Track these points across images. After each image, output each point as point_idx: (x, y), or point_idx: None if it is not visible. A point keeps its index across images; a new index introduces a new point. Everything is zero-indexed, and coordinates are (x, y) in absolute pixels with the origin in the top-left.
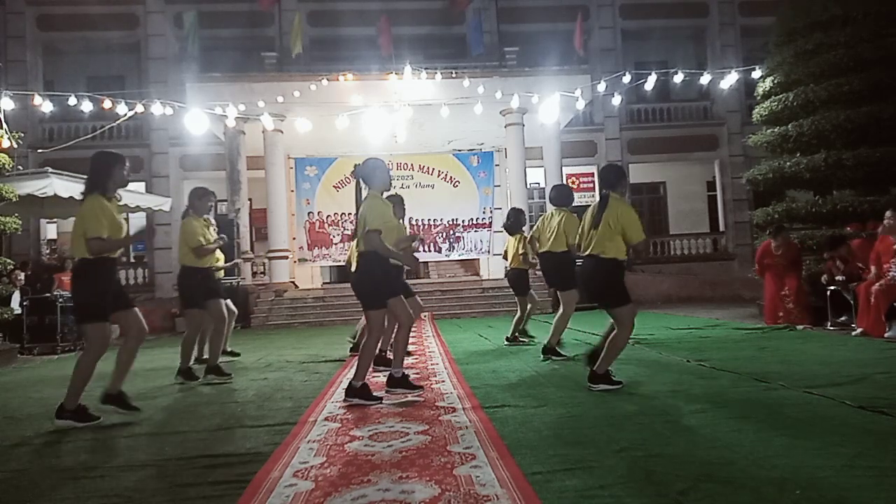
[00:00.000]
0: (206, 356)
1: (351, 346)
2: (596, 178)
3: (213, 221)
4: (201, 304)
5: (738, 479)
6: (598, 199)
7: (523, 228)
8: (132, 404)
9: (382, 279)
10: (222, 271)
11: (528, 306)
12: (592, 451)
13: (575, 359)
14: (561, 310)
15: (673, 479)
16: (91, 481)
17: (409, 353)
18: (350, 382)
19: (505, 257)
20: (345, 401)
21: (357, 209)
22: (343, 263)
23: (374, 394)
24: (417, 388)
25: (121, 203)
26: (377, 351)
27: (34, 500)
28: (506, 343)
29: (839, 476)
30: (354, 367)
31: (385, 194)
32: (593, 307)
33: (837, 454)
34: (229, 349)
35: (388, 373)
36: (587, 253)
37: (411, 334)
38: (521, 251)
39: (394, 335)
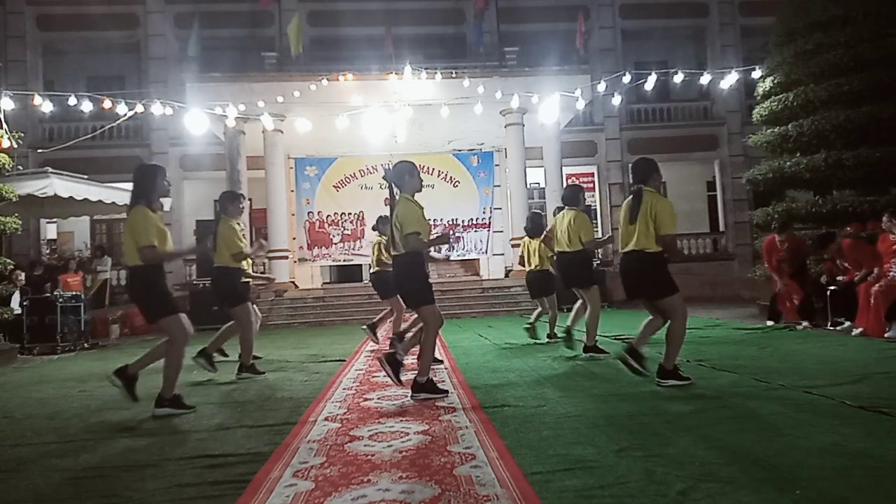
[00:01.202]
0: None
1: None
2: (596, 178)
3: (242, 224)
4: (246, 299)
5: (738, 479)
6: (631, 195)
7: (545, 231)
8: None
9: (424, 279)
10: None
11: (539, 308)
12: (592, 451)
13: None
14: (588, 309)
15: (673, 479)
16: (91, 481)
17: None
18: (415, 379)
19: (521, 263)
20: (412, 397)
21: (391, 212)
22: (343, 263)
23: (440, 386)
24: (442, 392)
25: (164, 211)
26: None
27: (34, 500)
28: (557, 339)
29: (839, 476)
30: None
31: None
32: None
33: (837, 454)
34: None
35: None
36: (627, 249)
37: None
38: (549, 254)
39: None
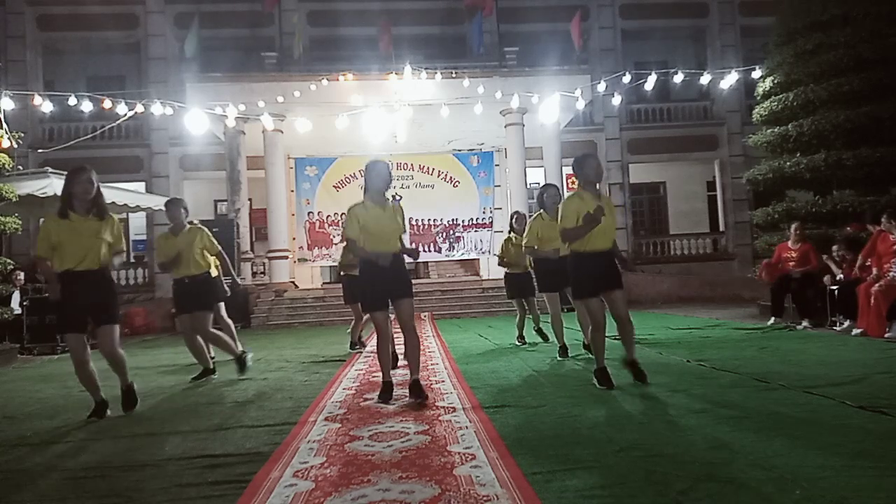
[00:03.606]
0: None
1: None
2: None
3: (188, 223)
4: (188, 309)
5: (738, 479)
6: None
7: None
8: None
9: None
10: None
11: (526, 309)
12: (592, 451)
13: (575, 358)
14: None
15: (673, 479)
16: (91, 481)
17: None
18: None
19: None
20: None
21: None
22: None
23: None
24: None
25: (120, 204)
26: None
27: (34, 500)
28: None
29: (839, 476)
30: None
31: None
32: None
33: (837, 454)
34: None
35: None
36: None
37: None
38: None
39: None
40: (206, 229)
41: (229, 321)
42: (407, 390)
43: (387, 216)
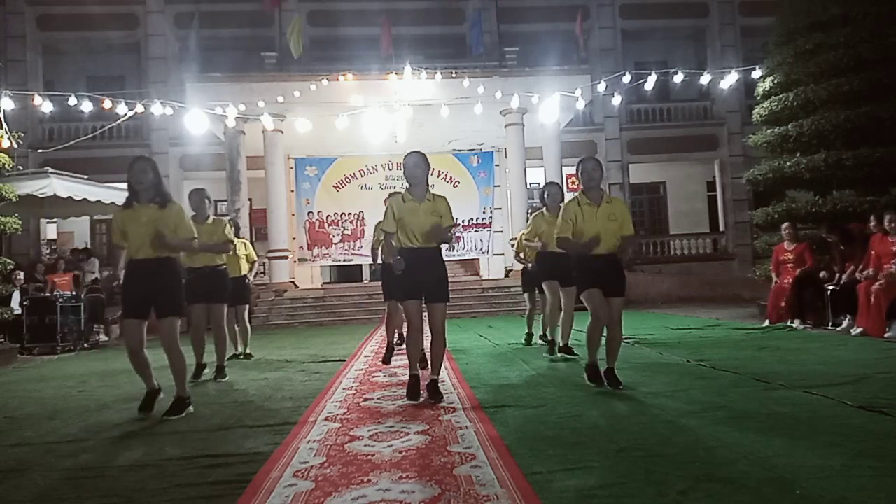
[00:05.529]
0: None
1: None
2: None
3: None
4: (204, 300)
5: (738, 479)
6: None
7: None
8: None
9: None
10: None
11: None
12: (592, 451)
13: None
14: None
15: (673, 479)
16: (91, 481)
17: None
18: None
19: None
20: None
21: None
22: (343, 263)
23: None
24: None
25: (120, 204)
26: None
27: (34, 500)
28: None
29: (839, 476)
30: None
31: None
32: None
33: (837, 454)
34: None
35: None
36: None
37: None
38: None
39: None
40: (227, 222)
41: (248, 325)
42: (406, 390)
43: (424, 210)
